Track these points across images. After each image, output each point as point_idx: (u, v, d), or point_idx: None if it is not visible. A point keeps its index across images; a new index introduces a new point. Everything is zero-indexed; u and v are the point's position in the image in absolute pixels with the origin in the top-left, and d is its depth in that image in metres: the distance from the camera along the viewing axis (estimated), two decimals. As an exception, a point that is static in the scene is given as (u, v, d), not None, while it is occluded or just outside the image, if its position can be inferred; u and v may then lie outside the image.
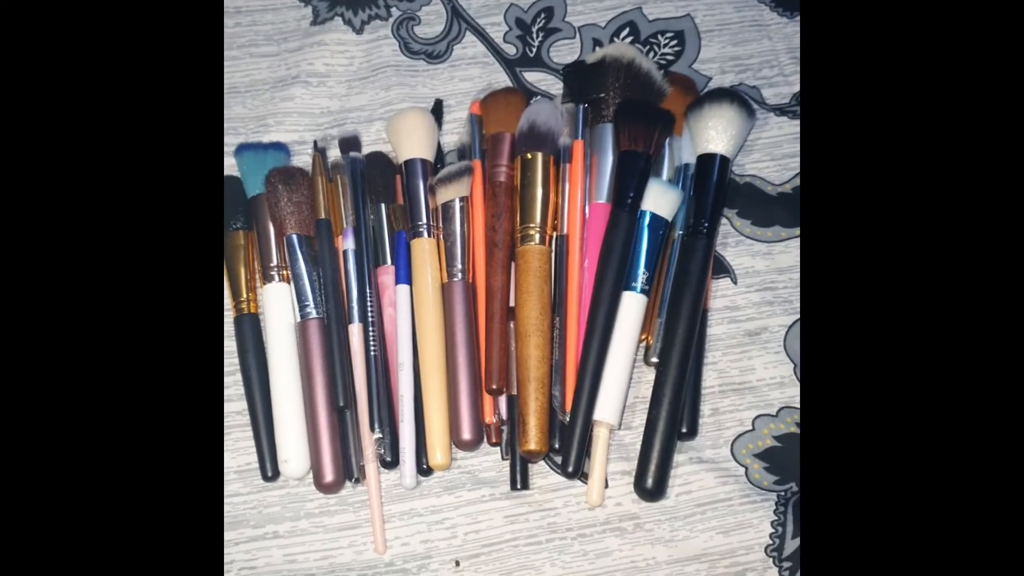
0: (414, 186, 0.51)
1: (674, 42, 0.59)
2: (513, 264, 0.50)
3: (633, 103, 0.52)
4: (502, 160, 0.51)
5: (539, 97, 0.56)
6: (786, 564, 0.46)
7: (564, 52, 0.59)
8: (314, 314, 0.49)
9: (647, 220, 0.49)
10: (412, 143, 0.52)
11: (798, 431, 0.48)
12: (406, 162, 0.52)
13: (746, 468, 0.48)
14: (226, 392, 0.50)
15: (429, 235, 0.50)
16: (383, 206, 0.52)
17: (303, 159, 0.55)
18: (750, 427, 0.49)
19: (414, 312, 0.50)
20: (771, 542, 0.46)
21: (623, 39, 0.59)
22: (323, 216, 0.51)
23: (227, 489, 0.48)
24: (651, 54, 0.58)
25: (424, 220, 0.51)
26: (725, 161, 0.50)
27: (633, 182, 0.50)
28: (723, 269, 0.52)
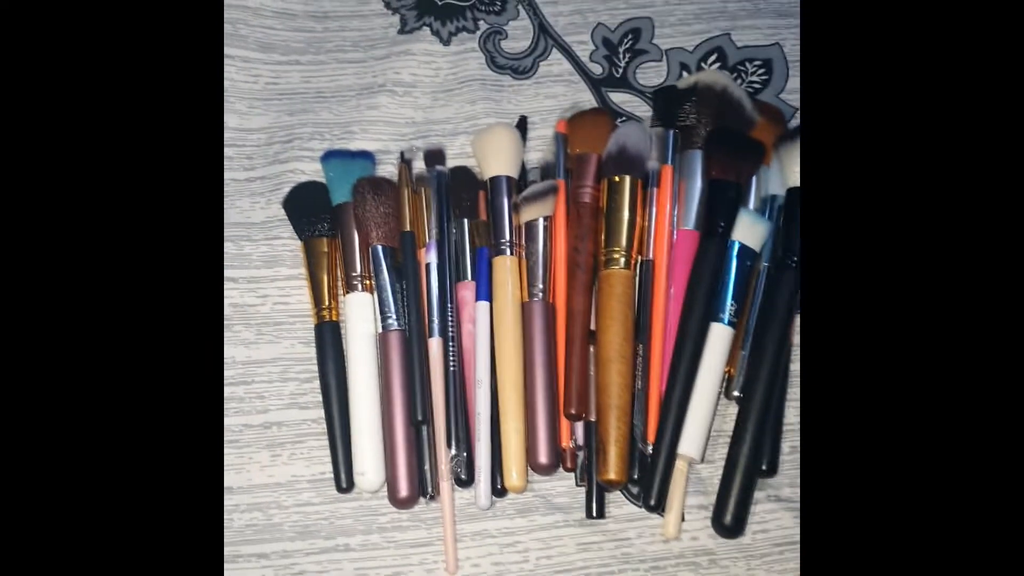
0: (498, 203, 0.51)
1: (762, 70, 0.58)
2: (596, 287, 0.50)
3: (725, 132, 0.51)
4: (587, 180, 0.51)
5: (628, 120, 0.55)
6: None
7: (651, 74, 0.58)
8: (395, 325, 0.49)
9: (736, 250, 0.49)
10: (498, 160, 0.52)
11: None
12: (491, 179, 0.52)
13: (826, 509, 0.47)
14: (304, 399, 0.50)
15: (511, 253, 0.50)
16: (466, 221, 0.52)
17: (387, 168, 0.55)
18: (831, 467, 0.48)
19: (493, 330, 0.49)
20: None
21: (711, 65, 0.59)
22: (408, 228, 0.51)
23: (300, 498, 0.48)
24: (738, 81, 0.58)
25: (507, 238, 0.50)
26: (819, 196, 0.50)
27: (723, 212, 0.49)
28: (807, 304, 0.52)
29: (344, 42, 0.59)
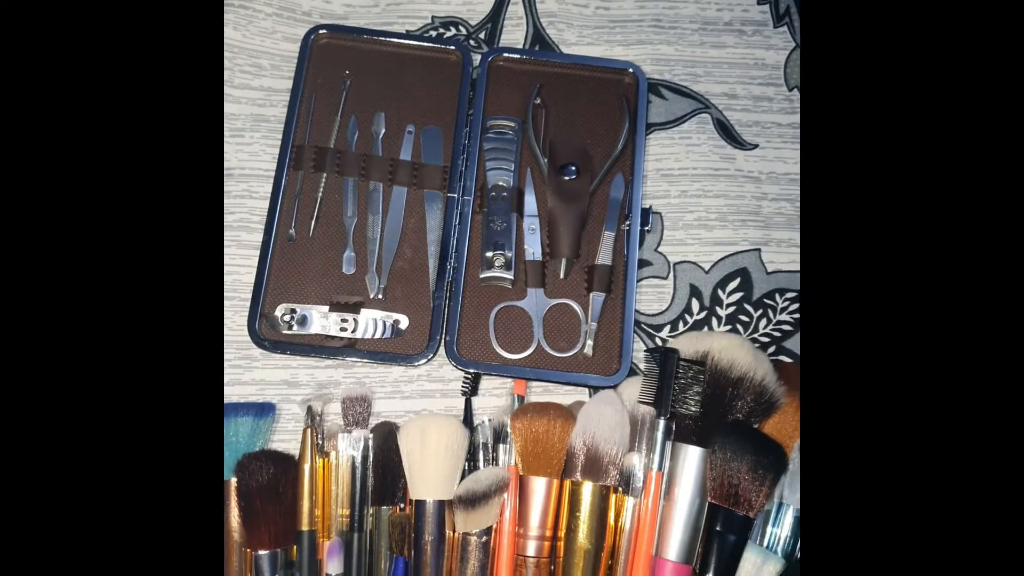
0: (421, 541, 0.38)
1: (795, 306, 0.45)
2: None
3: (736, 435, 0.39)
4: (535, 526, 0.38)
5: (604, 393, 0.41)
6: None
7: (650, 296, 0.45)
8: (279, 669, 0.37)
9: (734, 609, 0.37)
10: (428, 474, 0.39)
11: None
12: (416, 503, 0.38)
13: None
14: None
15: None
16: (385, 510, 0.39)
17: (291, 408, 0.42)
18: None
19: None
20: None
21: (729, 294, 0.45)
22: (305, 526, 0.39)
23: None
24: (763, 320, 0.45)
25: None
26: (852, 554, 0.38)
27: (722, 559, 0.37)
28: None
29: (250, 216, 0.44)
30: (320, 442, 0.40)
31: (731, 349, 0.40)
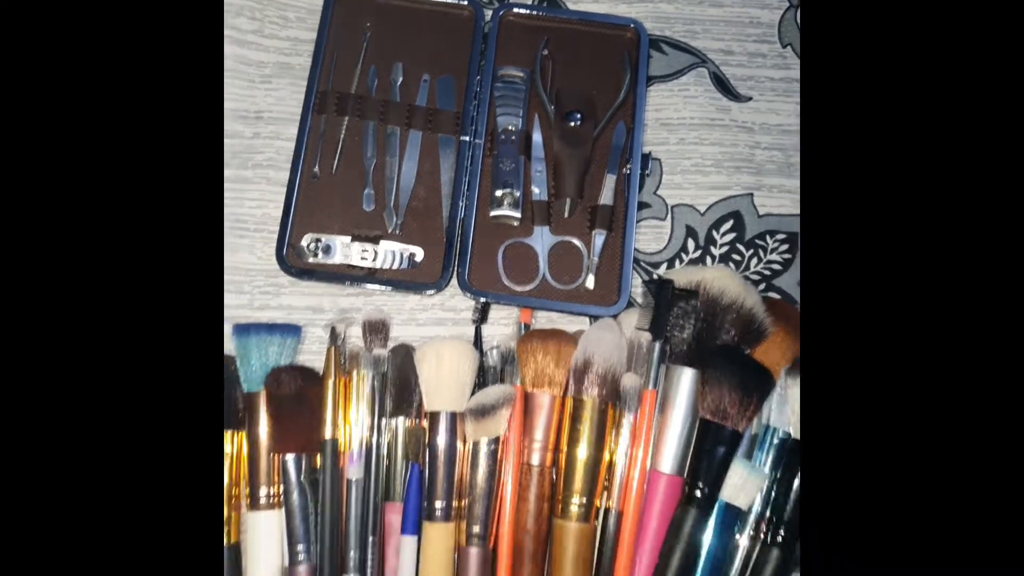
0: (435, 447, 0.42)
1: (785, 248, 0.48)
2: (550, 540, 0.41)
3: (726, 356, 0.42)
4: (539, 435, 0.42)
5: (603, 320, 0.45)
6: None
7: (648, 236, 0.48)
8: (304, 559, 0.41)
9: (721, 513, 0.41)
10: (443, 389, 0.42)
11: None
12: (430, 414, 0.42)
13: None
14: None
15: (447, 518, 0.41)
16: (402, 421, 0.43)
17: (316, 332, 0.45)
18: None
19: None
20: None
21: (723, 234, 0.48)
22: (329, 435, 0.42)
23: None
24: (754, 259, 0.48)
25: (443, 500, 0.41)
26: (829, 463, 0.41)
27: (712, 470, 0.41)
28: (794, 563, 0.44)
29: (277, 156, 0.48)
30: (343, 362, 0.44)
31: (722, 279, 0.43)
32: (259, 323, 0.44)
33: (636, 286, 0.47)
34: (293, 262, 0.45)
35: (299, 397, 0.42)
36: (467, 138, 0.48)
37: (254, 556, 0.41)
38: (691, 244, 0.48)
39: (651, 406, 0.42)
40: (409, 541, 0.41)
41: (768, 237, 0.48)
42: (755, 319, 0.43)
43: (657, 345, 0.43)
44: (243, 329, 0.43)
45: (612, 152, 0.48)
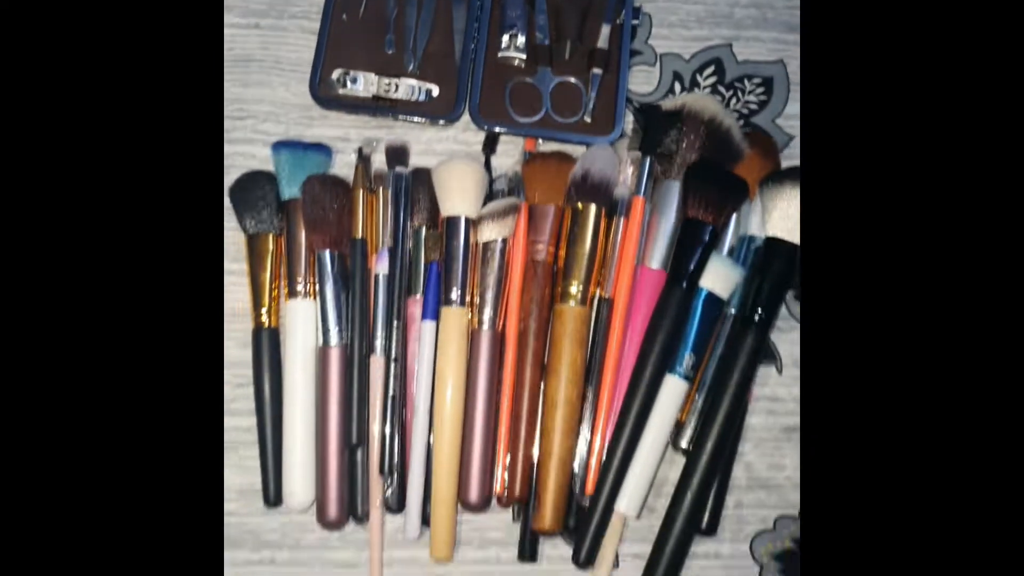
0: (452, 247, 0.47)
1: (760, 90, 0.54)
2: (550, 323, 0.47)
3: (707, 167, 0.48)
4: (543, 238, 0.48)
5: (599, 144, 0.51)
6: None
7: (640, 80, 0.54)
8: (337, 340, 0.47)
9: (702, 299, 0.46)
10: (457, 197, 0.48)
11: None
12: (447, 218, 0.48)
13: (761, 567, 0.47)
14: (236, 405, 0.47)
15: (462, 304, 0.47)
16: (423, 229, 0.48)
17: (345, 158, 0.51)
18: (771, 527, 0.47)
19: (437, 358, 0.47)
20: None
21: (706, 78, 0.54)
22: (359, 235, 0.48)
23: (227, 508, 0.46)
24: (733, 100, 0.54)
25: (459, 289, 0.47)
26: (795, 251, 0.47)
27: (694, 257, 0.46)
28: (770, 355, 0.50)
29: (310, 8, 0.54)
30: (368, 182, 0.49)
31: (702, 100, 0.49)
32: (296, 140, 0.50)
33: (629, 122, 0.53)
34: (324, 93, 0.51)
35: (332, 199, 0.47)
36: (478, -10, 0.54)
37: (292, 338, 0.47)
38: (677, 87, 0.54)
39: (640, 211, 0.48)
40: (429, 325, 0.47)
41: (746, 80, 0.54)
42: (732, 138, 0.49)
43: (647, 160, 0.49)
44: (281, 145, 0.49)
45: (608, 3, 0.54)
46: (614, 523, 0.45)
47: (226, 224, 0.49)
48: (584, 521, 0.44)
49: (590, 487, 0.45)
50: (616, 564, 0.46)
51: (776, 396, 0.49)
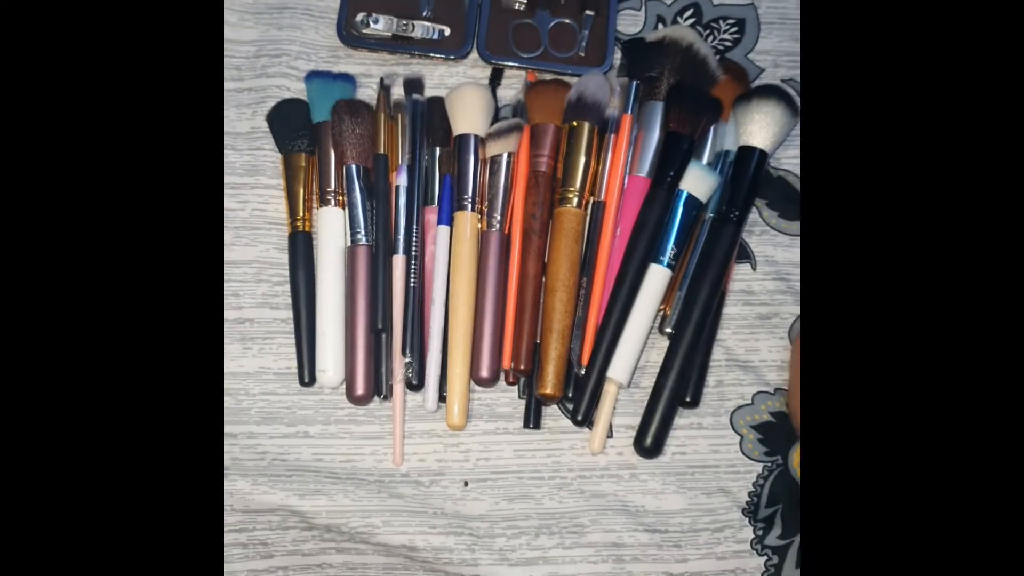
0: (464, 160, 0.54)
1: (734, 29, 0.61)
2: (551, 224, 0.54)
3: (685, 87, 0.55)
4: (544, 151, 0.54)
5: (591, 72, 0.57)
6: (760, 525, 0.51)
7: (627, 22, 0.61)
8: (364, 241, 0.53)
9: (683, 200, 0.53)
10: (467, 118, 0.54)
11: (788, 412, 0.53)
12: (458, 136, 0.54)
13: (742, 437, 0.53)
14: (275, 300, 0.54)
15: (473, 209, 0.53)
16: (437, 149, 0.55)
17: (368, 91, 0.58)
18: (750, 401, 0.53)
19: (451, 255, 0.53)
20: (747, 506, 0.51)
21: (686, 20, 0.61)
22: (382, 151, 0.55)
23: (266, 388, 0.52)
24: (710, 38, 0.61)
25: (470, 196, 0.53)
26: (763, 156, 0.53)
27: (675, 163, 0.53)
28: (745, 255, 0.56)
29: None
30: (388, 109, 0.56)
31: (680, 30, 0.56)
32: (326, 71, 0.57)
33: (618, 57, 0.60)
34: (348, 32, 0.58)
35: (358, 120, 0.54)
36: (483, -55, 0.61)
37: (324, 240, 0.54)
38: (660, 27, 0.61)
39: (628, 128, 0.55)
40: (443, 229, 0.54)
41: (721, 21, 0.61)
42: (708, 63, 0.56)
43: (633, 83, 0.55)
44: (314, 74, 0.56)
45: (597, -44, 0.61)
46: (608, 389, 0.51)
47: (264, 145, 0.56)
48: (581, 387, 0.51)
49: (585, 358, 0.51)
50: (610, 434, 0.52)
51: (751, 290, 0.55)
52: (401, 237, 0.53)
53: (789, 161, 0.58)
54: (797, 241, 0.56)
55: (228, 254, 0.55)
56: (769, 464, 0.52)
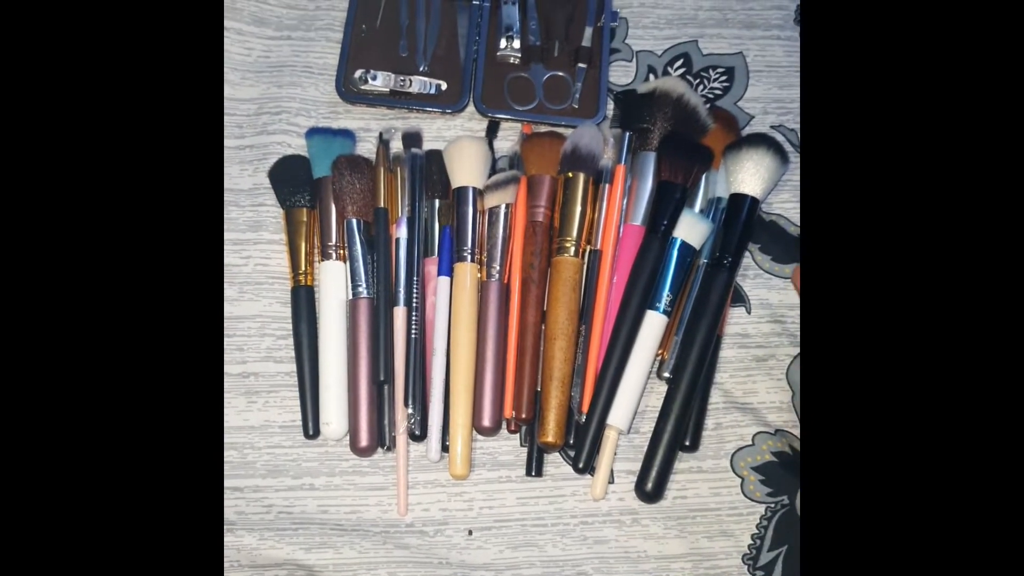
0: (463, 212, 0.55)
1: (724, 78, 0.63)
2: (548, 273, 0.55)
3: (677, 137, 0.56)
4: (541, 201, 0.55)
5: (586, 124, 0.59)
6: (759, 573, 0.51)
7: (619, 73, 0.63)
8: (365, 294, 0.54)
9: (677, 247, 0.54)
10: (465, 171, 0.56)
11: (791, 452, 0.54)
12: (457, 188, 0.56)
13: (743, 479, 0.53)
14: (279, 354, 0.55)
15: (472, 260, 0.54)
16: (436, 201, 0.56)
17: (367, 145, 0.59)
18: (750, 442, 0.54)
19: (452, 306, 0.54)
20: (748, 552, 0.52)
21: (676, 70, 0.63)
22: (381, 205, 0.56)
23: (271, 441, 0.53)
24: (700, 87, 0.62)
25: (469, 246, 0.54)
26: (755, 203, 0.55)
27: (668, 211, 0.54)
28: (740, 298, 0.57)
29: (334, 21, 0.63)
30: (388, 163, 0.57)
31: (671, 82, 0.58)
32: (326, 127, 0.58)
33: (610, 108, 0.61)
34: (347, 88, 0.60)
35: (358, 175, 0.56)
36: (477, 1, 0.63)
37: (326, 293, 0.55)
38: (652, 77, 0.62)
39: (622, 178, 0.56)
40: (444, 280, 0.55)
41: (711, 71, 0.63)
42: (699, 114, 0.57)
43: (626, 134, 0.57)
44: (314, 131, 0.58)
45: (590, 9, 0.63)
46: (608, 435, 0.51)
47: (266, 201, 0.58)
48: (581, 434, 0.51)
49: (585, 405, 0.52)
50: (611, 480, 0.52)
51: (747, 333, 0.56)
52: (402, 289, 0.54)
53: (781, 205, 0.59)
54: (791, 284, 0.58)
55: (232, 309, 0.56)
56: (772, 505, 0.53)
